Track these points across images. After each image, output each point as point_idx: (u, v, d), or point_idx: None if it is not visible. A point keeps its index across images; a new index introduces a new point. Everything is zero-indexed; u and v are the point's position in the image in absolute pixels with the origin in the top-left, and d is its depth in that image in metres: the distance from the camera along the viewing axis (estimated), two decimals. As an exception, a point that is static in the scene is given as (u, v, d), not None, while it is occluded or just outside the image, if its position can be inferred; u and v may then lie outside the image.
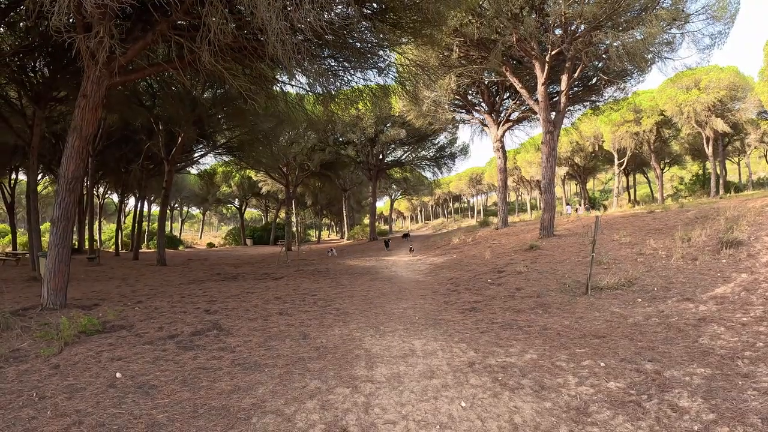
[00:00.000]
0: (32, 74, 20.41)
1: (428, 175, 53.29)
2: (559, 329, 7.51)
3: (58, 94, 21.39)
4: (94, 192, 41.15)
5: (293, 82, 14.99)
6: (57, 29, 9.02)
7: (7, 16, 16.22)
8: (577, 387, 5.18)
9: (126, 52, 10.79)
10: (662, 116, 44.29)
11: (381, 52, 13.90)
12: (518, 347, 6.77)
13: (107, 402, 5.12)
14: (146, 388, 5.51)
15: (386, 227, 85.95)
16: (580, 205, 57.10)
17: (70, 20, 10.21)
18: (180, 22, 11.64)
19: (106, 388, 5.53)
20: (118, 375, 5.98)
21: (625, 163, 49.38)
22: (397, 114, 36.99)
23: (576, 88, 25.47)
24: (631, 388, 5.05)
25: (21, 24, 17.91)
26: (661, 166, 52.14)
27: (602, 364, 5.78)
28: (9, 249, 37.94)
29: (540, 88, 20.47)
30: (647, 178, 68.20)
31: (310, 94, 15.30)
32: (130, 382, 5.75)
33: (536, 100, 21.16)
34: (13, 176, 38.61)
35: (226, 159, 38.30)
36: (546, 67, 20.09)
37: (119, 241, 42.06)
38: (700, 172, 56.06)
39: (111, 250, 43.32)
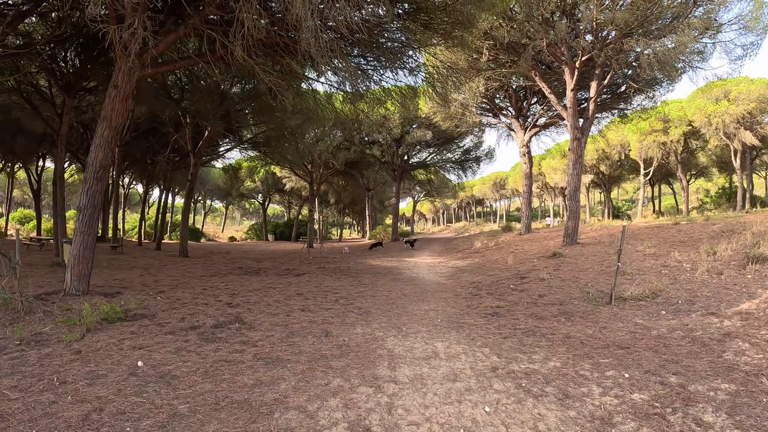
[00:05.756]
0: (63, 64, 20.72)
1: (452, 177, 53.31)
2: (583, 338, 7.43)
3: (88, 84, 21.70)
4: (120, 182, 41.47)
5: (322, 80, 15.05)
6: (92, 18, 9.11)
7: (39, 6, 16.39)
8: (602, 397, 5.11)
9: (158, 44, 10.85)
10: (690, 127, 43.61)
11: (411, 53, 13.90)
12: (541, 354, 6.70)
13: (128, 390, 5.14)
14: (168, 378, 5.53)
15: (408, 228, 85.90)
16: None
17: (104, 12, 10.31)
18: (212, 16, 11.70)
19: (128, 376, 5.56)
20: (139, 363, 6.02)
21: (651, 173, 48.81)
22: (423, 115, 36.88)
23: (604, 96, 25.20)
24: (656, 401, 4.97)
25: (53, 14, 18.10)
26: (687, 177, 51.52)
27: (626, 375, 5.70)
28: (34, 234, 38.34)
29: (569, 94, 20.29)
30: (672, 189, 67.40)
31: (339, 92, 15.31)
32: (152, 371, 5.78)
33: (564, 106, 20.98)
34: (40, 163, 39.16)
35: (252, 154, 38.36)
36: (576, 73, 19.91)
37: (142, 231, 42.42)
38: (727, 185, 55.26)
39: (134, 240, 43.70)
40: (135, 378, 5.52)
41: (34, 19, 18.42)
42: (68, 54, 20.61)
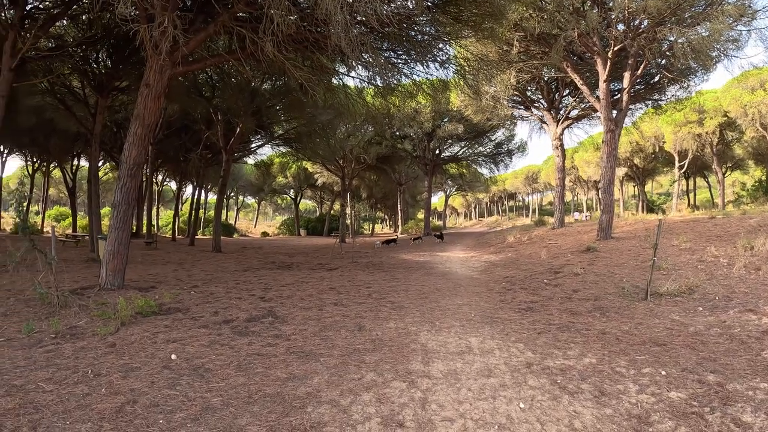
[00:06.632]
0: (95, 65, 21.29)
1: (484, 171, 52.99)
2: (618, 334, 7.30)
3: (120, 83, 22.23)
4: (153, 179, 42.05)
5: (352, 74, 15.06)
6: (123, 18, 9.22)
7: (70, 8, 16.69)
8: (638, 395, 5.00)
9: (188, 42, 10.96)
10: (726, 117, 42.54)
11: (441, 45, 13.81)
12: (576, 350, 6.60)
13: (162, 383, 5.19)
14: (201, 371, 5.57)
15: (440, 222, 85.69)
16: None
17: (134, 12, 10.42)
18: (241, 14, 11.76)
19: (161, 369, 5.62)
20: (173, 357, 6.07)
21: (685, 166, 47.93)
22: (455, 109, 36.76)
23: (638, 86, 24.79)
24: (693, 400, 4.86)
25: (83, 17, 18.46)
26: (723, 170, 50.49)
27: (663, 373, 5.59)
28: (69, 231, 39.00)
29: (602, 86, 20.00)
30: (708, 182, 65.91)
31: (370, 86, 15.28)
32: (185, 364, 5.83)
33: (597, 98, 20.70)
34: (75, 162, 40.07)
35: (284, 150, 38.56)
36: (608, 64, 19.60)
37: (176, 227, 42.97)
38: (764, 177, 54.07)
39: (168, 236, 44.17)
40: (168, 371, 5.57)
41: (65, 22, 18.86)
42: (100, 55, 21.16)
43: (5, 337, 6.84)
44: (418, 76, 14.80)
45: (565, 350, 6.62)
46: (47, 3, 16.73)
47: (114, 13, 9.13)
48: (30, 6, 16.20)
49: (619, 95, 22.26)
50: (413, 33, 13.11)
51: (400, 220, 62.68)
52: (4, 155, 40.15)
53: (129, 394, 4.86)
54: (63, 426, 4.17)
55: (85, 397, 4.75)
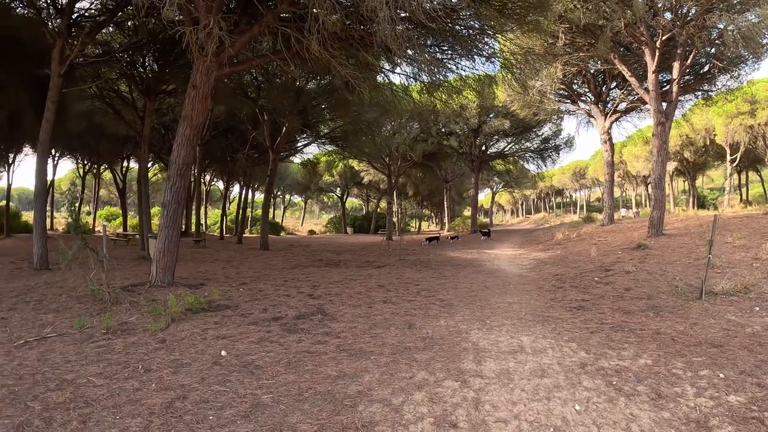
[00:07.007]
0: (142, 69, 21.97)
1: (531, 167, 52.21)
2: (674, 335, 7.08)
3: (167, 87, 22.93)
4: (201, 179, 42.74)
5: (397, 71, 14.99)
6: (169, 21, 9.36)
7: (115, 15, 17.16)
8: (696, 398, 4.83)
9: (234, 43, 11.09)
10: (778, 108, 41.43)
11: (486, 40, 13.67)
12: (631, 351, 6.41)
13: (212, 379, 5.23)
14: (251, 368, 5.59)
15: (487, 220, 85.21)
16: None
17: (178, 16, 10.56)
18: (284, 14, 11.82)
19: (211, 365, 5.67)
20: (223, 353, 6.12)
21: (737, 159, 46.59)
22: (500, 104, 36.42)
23: (687, 77, 24.07)
24: (753, 404, 4.66)
25: (129, 23, 18.96)
26: (777, 163, 49.04)
27: (721, 375, 5.39)
28: (120, 230, 39.94)
29: (650, 77, 19.51)
30: (761, 176, 63.74)
31: (415, 83, 15.22)
32: (235, 360, 5.87)
33: (646, 90, 20.21)
34: (125, 164, 41.22)
35: (329, 148, 38.89)
36: (656, 54, 19.09)
37: (224, 225, 43.69)
38: (820, 171, 52.31)
39: (216, 234, 44.87)
40: (218, 367, 5.62)
41: (111, 29, 19.40)
42: (146, 60, 21.85)
43: (58, 333, 7.03)
44: (464, 71, 14.69)
45: (620, 350, 6.45)
46: (92, 11, 17.18)
47: (158, 18, 9.29)
48: (76, 14, 16.65)
49: (668, 86, 21.73)
50: (458, 27, 13.00)
51: (446, 218, 62.45)
52: (56, 158, 41.33)
53: (179, 389, 4.91)
54: (113, 420, 4.22)
55: (136, 392, 4.82)
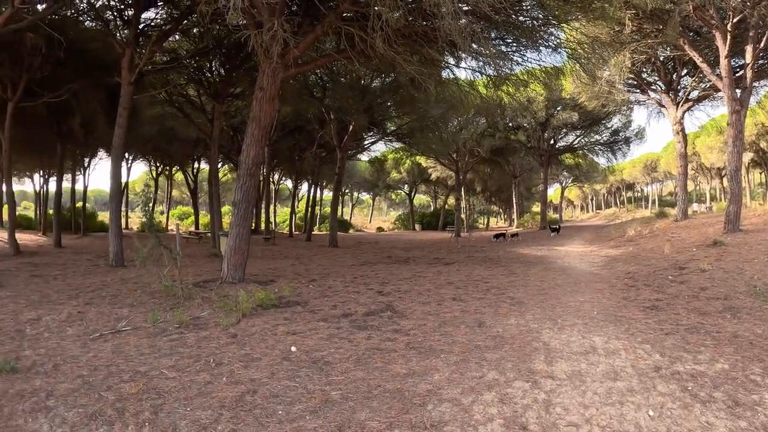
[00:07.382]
0: (209, 74, 22.69)
1: (601, 161, 51.08)
2: (752, 338, 6.76)
3: (235, 90, 23.52)
4: (270, 178, 43.46)
5: (463, 65, 14.88)
6: (234, 25, 9.54)
7: (180, 24, 17.67)
8: (775, 407, 4.61)
9: (299, 44, 11.26)
10: None
11: (551, 30, 13.41)
12: (707, 354, 6.14)
13: (282, 374, 5.28)
14: (320, 364, 5.62)
15: (556, 215, 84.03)
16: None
17: (242, 21, 10.75)
18: (347, 14, 11.87)
19: (281, 361, 5.73)
20: (293, 349, 6.18)
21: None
22: (568, 96, 35.87)
23: (762, 61, 22.95)
24: (836, 413, 4.41)
25: (194, 30, 19.52)
26: None
27: (802, 382, 5.13)
28: (192, 229, 40.95)
29: (722, 62, 18.62)
30: (840, 168, 60.80)
31: (481, 77, 15.06)
32: (305, 356, 5.91)
33: (719, 76, 19.34)
34: (196, 165, 42.48)
35: (397, 146, 38.88)
36: (728, 37, 18.20)
37: (293, 223, 44.41)
38: None
39: (285, 232, 45.51)
40: (288, 362, 5.67)
41: (177, 36, 20.03)
42: (213, 64, 22.55)
43: (132, 326, 7.26)
44: (530, 63, 14.45)
45: (695, 354, 6.19)
46: (158, 20, 17.78)
47: (223, 23, 9.46)
48: (143, 24, 17.27)
49: (741, 72, 20.84)
50: (522, 18, 12.79)
51: (515, 214, 61.83)
52: (130, 161, 42.66)
53: (249, 383, 4.98)
54: (184, 412, 4.31)
55: (207, 385, 4.92)
